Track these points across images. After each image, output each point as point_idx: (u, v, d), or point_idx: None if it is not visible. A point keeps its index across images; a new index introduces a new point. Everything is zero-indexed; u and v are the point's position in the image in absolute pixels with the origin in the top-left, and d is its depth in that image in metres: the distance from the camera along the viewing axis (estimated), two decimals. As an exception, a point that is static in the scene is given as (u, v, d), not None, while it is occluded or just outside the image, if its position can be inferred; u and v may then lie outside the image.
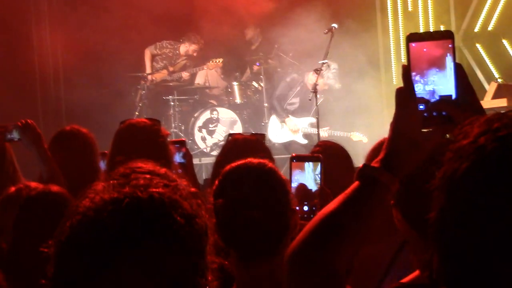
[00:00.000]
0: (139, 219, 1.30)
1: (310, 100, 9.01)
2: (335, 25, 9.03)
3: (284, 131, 10.33)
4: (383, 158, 1.55)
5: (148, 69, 11.47)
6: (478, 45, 10.94)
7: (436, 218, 1.24)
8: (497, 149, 1.18)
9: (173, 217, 1.32)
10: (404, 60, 11.51)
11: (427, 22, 11.63)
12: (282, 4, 10.89)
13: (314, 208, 2.78)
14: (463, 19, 11.32)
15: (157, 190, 1.34)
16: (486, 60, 10.97)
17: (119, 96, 11.05)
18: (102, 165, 4.26)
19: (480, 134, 1.21)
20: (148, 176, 1.37)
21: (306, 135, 10.25)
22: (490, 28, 11.07)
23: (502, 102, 8.98)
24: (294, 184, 2.83)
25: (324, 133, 9.70)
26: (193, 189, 1.42)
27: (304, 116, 10.25)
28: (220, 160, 3.79)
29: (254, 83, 11.42)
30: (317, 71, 8.96)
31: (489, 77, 10.37)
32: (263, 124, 11.02)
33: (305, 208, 2.80)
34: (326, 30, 9.09)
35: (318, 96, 8.85)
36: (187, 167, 4.21)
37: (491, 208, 1.17)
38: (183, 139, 5.45)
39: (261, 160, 2.45)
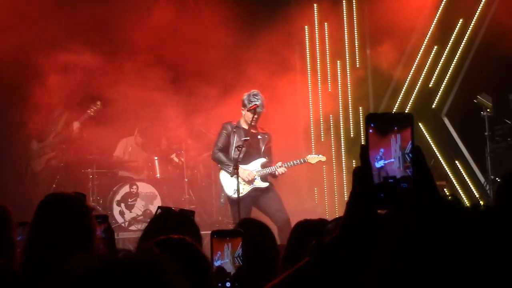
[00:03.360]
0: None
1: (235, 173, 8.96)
2: (257, 102, 8.95)
3: (242, 185, 8.96)
4: (336, 236, 1.55)
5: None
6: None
7: None
8: (408, 238, 1.22)
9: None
10: (333, 136, 11.71)
11: (346, 103, 11.95)
12: (207, 99, 11.04)
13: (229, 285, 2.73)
14: (381, 101, 11.70)
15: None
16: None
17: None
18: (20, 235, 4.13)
19: (402, 221, 1.25)
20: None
21: (264, 177, 9.09)
22: (406, 112, 11.47)
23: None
24: (215, 262, 2.77)
25: (282, 170, 8.91)
26: None
27: (253, 160, 9.15)
28: (147, 232, 3.76)
29: (175, 158, 11.37)
30: (239, 147, 8.92)
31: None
32: (183, 199, 10.93)
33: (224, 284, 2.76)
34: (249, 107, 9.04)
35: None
36: (108, 242, 4.17)
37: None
38: (106, 214, 5.42)
39: (182, 236, 2.49)
